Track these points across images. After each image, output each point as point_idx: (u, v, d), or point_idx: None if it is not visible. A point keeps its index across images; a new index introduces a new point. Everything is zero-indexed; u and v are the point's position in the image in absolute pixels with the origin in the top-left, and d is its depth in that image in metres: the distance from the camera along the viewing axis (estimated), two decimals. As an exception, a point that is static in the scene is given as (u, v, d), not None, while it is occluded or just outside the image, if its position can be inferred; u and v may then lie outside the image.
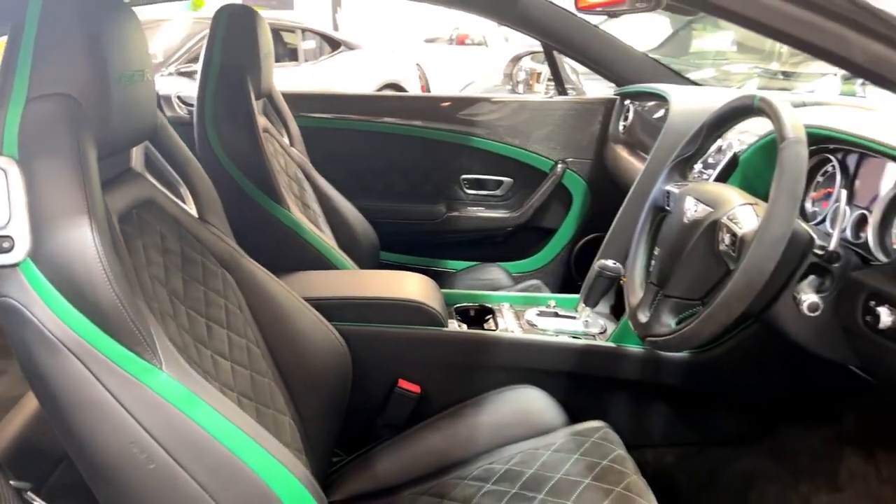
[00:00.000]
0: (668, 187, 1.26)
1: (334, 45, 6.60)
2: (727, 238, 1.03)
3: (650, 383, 1.51)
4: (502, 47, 8.77)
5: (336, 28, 9.47)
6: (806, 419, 1.55)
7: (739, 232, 1.00)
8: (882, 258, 1.05)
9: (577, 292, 1.71)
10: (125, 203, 1.03)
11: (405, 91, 6.61)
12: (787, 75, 5.41)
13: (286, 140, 2.10)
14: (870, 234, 1.07)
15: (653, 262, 1.26)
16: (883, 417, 1.52)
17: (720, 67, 5.78)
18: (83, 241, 0.81)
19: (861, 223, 1.11)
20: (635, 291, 1.26)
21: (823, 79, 4.71)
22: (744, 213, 1.03)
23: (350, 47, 6.63)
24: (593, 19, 2.38)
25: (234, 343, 1.20)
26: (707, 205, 1.09)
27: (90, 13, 0.89)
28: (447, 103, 2.46)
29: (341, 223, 2.09)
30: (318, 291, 1.47)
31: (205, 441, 0.86)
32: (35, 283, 0.81)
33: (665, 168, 1.30)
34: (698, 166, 1.52)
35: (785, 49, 5.60)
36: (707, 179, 1.41)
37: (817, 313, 0.98)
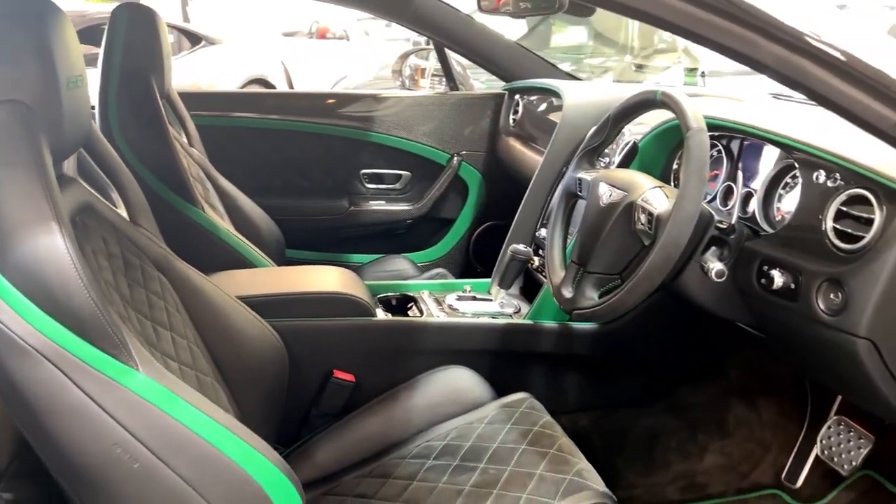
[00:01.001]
0: (580, 175, 1.38)
1: (194, 40, 6.33)
2: (643, 218, 1.16)
3: (564, 355, 1.64)
4: (364, 42, 8.75)
5: (187, 21, 9.06)
6: (698, 378, 1.74)
7: (655, 212, 1.13)
8: (768, 229, 1.22)
9: (477, 278, 1.83)
10: (69, 209, 1.01)
11: (272, 86, 6.48)
12: (639, 67, 5.83)
13: (185, 140, 2.06)
14: (756, 209, 1.24)
15: (570, 243, 1.38)
16: (760, 372, 1.74)
17: (579, 61, 6.08)
18: (55, 248, 0.81)
19: (747, 200, 1.28)
20: (556, 271, 1.38)
21: (668, 71, 5.12)
22: (655, 196, 1.16)
23: (211, 42, 6.39)
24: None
25: (178, 344, 1.20)
26: (621, 189, 1.22)
27: (32, 17, 0.88)
28: (338, 100, 2.50)
29: (245, 222, 2.08)
30: (248, 290, 1.48)
31: (185, 436, 0.88)
32: (2, 292, 0.80)
33: (574, 158, 1.42)
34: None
35: (637, 43, 6.02)
36: (608, 167, 1.55)
37: (724, 279, 1.13)
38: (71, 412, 0.82)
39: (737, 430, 1.70)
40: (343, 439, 1.49)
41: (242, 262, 1.72)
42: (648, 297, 1.49)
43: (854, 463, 1.50)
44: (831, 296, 1.03)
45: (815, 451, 1.63)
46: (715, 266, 1.13)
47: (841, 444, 1.54)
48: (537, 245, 1.82)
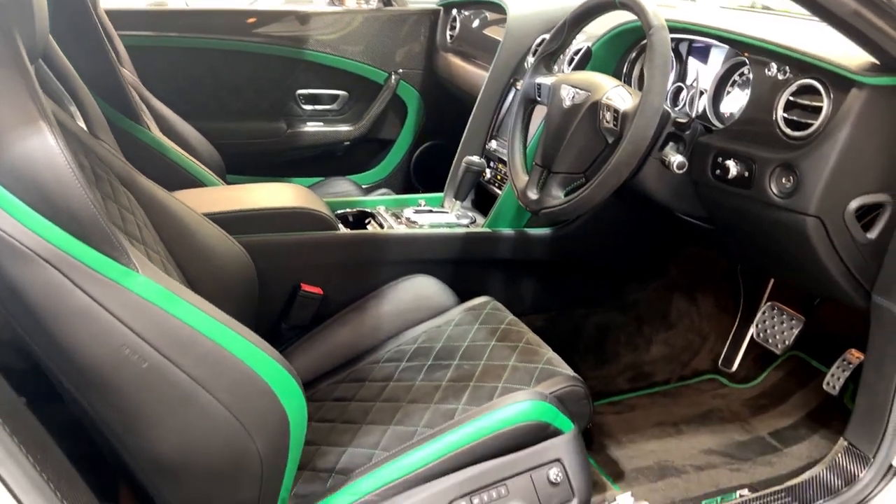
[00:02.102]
0: (538, 80, 1.41)
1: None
2: (608, 116, 1.21)
3: (521, 260, 1.71)
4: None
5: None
6: (643, 277, 1.86)
7: (621, 108, 1.18)
8: (719, 125, 1.30)
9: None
10: (38, 117, 0.97)
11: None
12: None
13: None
14: (707, 107, 1.32)
15: (529, 147, 1.43)
16: (698, 270, 1.87)
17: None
18: (48, 148, 0.79)
19: (695, 99, 1.35)
20: (520, 176, 1.42)
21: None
22: (618, 94, 1.22)
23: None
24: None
25: (153, 259, 1.19)
26: (584, 90, 1.27)
27: None
28: (265, 17, 2.42)
29: (184, 146, 2.02)
30: (210, 207, 1.46)
31: (189, 335, 0.89)
32: (-2, 197, 0.78)
33: (531, 64, 1.46)
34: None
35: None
36: (561, 72, 1.59)
37: (685, 170, 1.20)
38: (76, 315, 0.82)
39: (678, 322, 1.84)
40: (315, 349, 1.52)
41: (194, 183, 1.69)
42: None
43: (787, 342, 1.66)
44: (783, 180, 1.12)
45: (751, 334, 1.78)
46: (676, 159, 1.20)
47: (775, 327, 1.69)
48: (488, 157, 1.86)
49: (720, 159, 1.22)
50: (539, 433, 1.17)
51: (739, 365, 1.81)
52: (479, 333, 1.45)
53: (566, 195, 1.30)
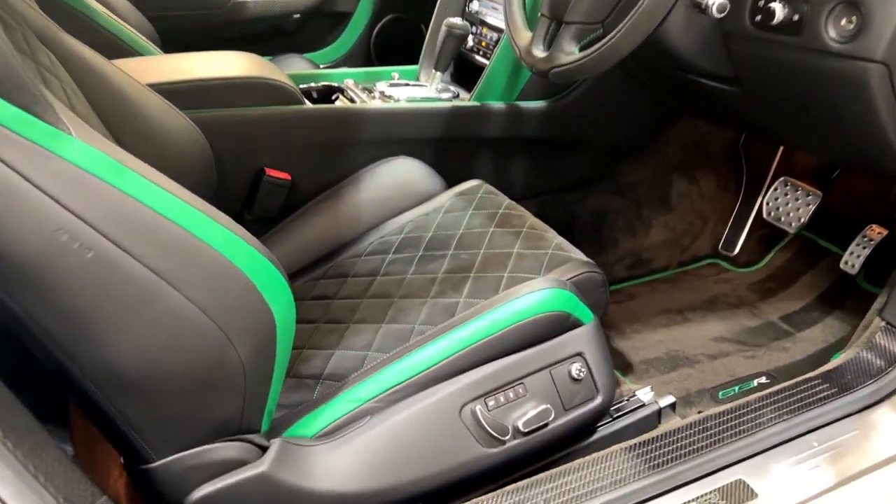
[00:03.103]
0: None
1: None
2: (635, -51, 1.02)
3: (512, 138, 1.54)
4: None
5: None
6: (640, 156, 1.71)
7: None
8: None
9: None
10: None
11: None
12: None
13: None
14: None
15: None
16: (698, 148, 1.73)
17: None
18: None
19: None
20: (521, 32, 1.23)
21: None
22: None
23: None
24: None
25: (87, 134, 0.98)
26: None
27: None
28: None
29: (110, 11, 1.75)
30: (153, 77, 1.23)
31: (148, 218, 0.71)
32: None
33: None
34: None
35: None
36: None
37: (725, 13, 1.03)
38: (-8, 193, 0.62)
39: (679, 205, 1.71)
40: (286, 243, 1.35)
41: (129, 54, 1.44)
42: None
43: (802, 220, 1.55)
44: (843, 21, 0.97)
45: (755, 213, 1.67)
46: (715, 1, 1.03)
47: (788, 204, 1.58)
48: (469, 20, 1.65)
49: (762, 2, 1.05)
50: (559, 325, 1.03)
51: (742, 248, 1.71)
52: (475, 220, 1.29)
53: (581, 49, 1.12)
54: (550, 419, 1.01)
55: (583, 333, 1.05)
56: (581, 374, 1.03)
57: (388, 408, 0.96)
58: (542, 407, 1.00)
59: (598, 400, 1.05)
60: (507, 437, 0.98)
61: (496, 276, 1.14)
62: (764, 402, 1.06)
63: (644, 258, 1.70)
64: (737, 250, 1.71)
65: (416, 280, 1.20)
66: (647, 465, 0.98)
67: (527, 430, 0.99)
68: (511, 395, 1.00)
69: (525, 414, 1.00)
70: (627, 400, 1.16)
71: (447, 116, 1.46)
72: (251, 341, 0.81)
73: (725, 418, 1.05)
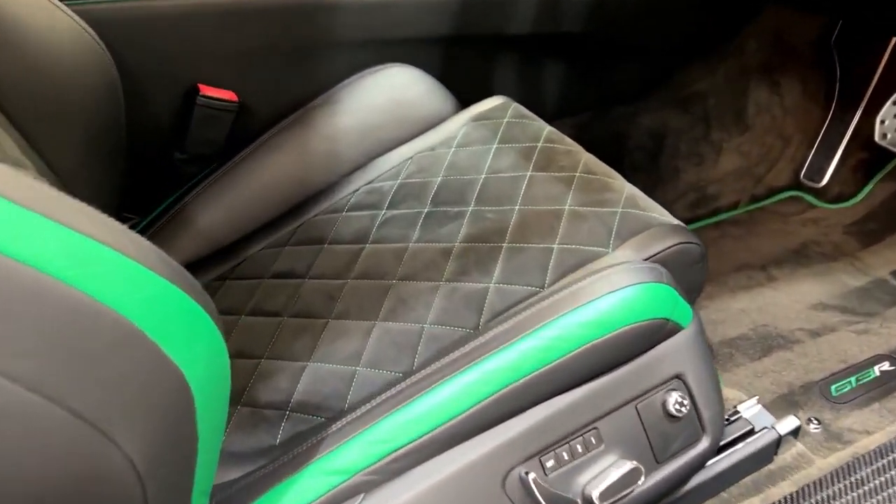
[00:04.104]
0: None
1: None
2: None
3: (544, 36, 1.13)
4: None
5: None
6: (709, 58, 1.31)
7: None
8: None
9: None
10: None
11: None
12: None
13: None
14: None
15: None
16: (780, 43, 1.33)
17: None
18: None
19: None
20: None
21: None
22: None
23: None
24: None
25: None
26: None
27: None
28: None
29: None
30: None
31: None
32: None
33: None
34: None
35: None
36: None
37: None
38: None
39: (757, 121, 1.33)
40: (235, 193, 0.96)
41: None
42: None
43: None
44: None
45: (851, 133, 1.29)
46: None
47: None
48: None
49: None
50: (650, 336, 0.68)
51: (832, 177, 1.34)
52: (504, 158, 0.91)
53: None
54: (639, 483, 0.66)
55: (682, 344, 0.70)
56: (682, 407, 0.68)
57: (391, 482, 0.62)
58: (627, 466, 0.66)
59: (704, 444, 0.71)
60: (575, 516, 0.65)
61: (541, 248, 0.78)
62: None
63: (710, 193, 1.33)
64: (825, 179, 1.35)
65: (422, 251, 0.83)
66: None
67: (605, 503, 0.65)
68: (579, 448, 0.66)
69: (601, 477, 0.65)
70: (728, 420, 0.82)
71: (458, 5, 1.04)
72: (148, 430, 0.45)
73: (881, 460, 0.72)
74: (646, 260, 0.74)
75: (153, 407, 0.45)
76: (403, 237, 0.86)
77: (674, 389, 0.69)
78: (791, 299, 1.14)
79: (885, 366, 1.02)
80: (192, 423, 0.49)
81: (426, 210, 0.88)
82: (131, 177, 0.93)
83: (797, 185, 1.37)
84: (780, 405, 0.96)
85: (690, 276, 0.78)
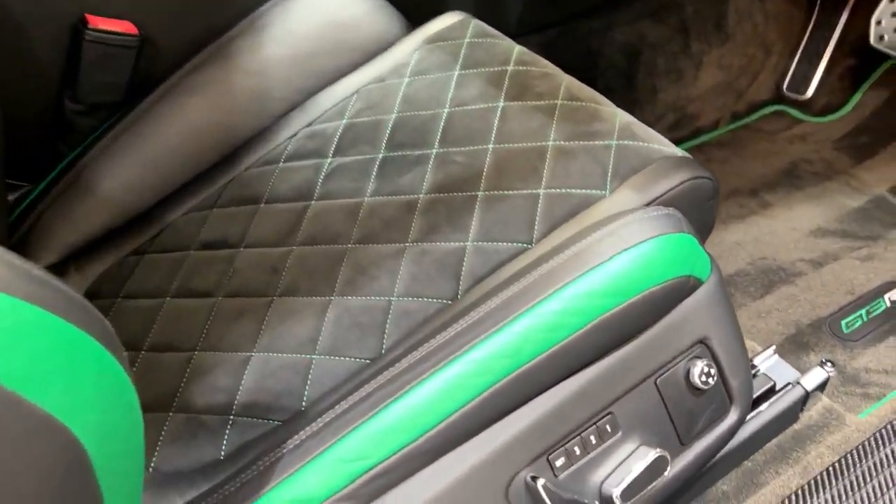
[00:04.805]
0: None
1: None
2: None
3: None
4: None
5: None
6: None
7: None
8: None
9: None
10: None
11: None
12: None
13: None
14: None
15: None
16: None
17: None
18: None
19: None
20: None
21: None
22: None
23: None
24: None
25: None
26: None
27: None
28: None
29: None
30: None
31: None
32: None
33: None
34: None
35: None
36: None
37: None
38: None
39: (738, 29, 1.20)
40: (145, 149, 0.80)
41: None
42: None
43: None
44: None
45: (837, 39, 1.18)
46: None
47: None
48: None
49: None
50: (670, 298, 0.56)
51: (818, 87, 1.23)
52: (469, 86, 0.77)
53: None
54: (665, 474, 0.56)
55: (704, 302, 0.58)
56: (709, 378, 0.58)
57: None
58: (651, 455, 0.55)
59: (733, 416, 0.61)
60: (594, 520, 0.54)
61: (525, 195, 0.65)
62: None
63: (690, 113, 1.21)
64: (810, 90, 1.24)
65: (380, 207, 0.69)
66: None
67: (627, 503, 0.55)
68: (592, 439, 0.55)
69: (621, 471, 0.55)
70: (746, 377, 0.72)
71: None
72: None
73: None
74: (651, 202, 0.62)
75: (31, 472, 0.32)
76: (356, 191, 0.72)
77: (697, 357, 0.58)
78: (788, 226, 1.04)
79: (895, 294, 0.94)
80: (91, 481, 0.36)
81: (381, 156, 0.74)
82: (14, 136, 0.76)
83: (780, 98, 1.27)
84: (789, 349, 0.88)
85: (701, 217, 0.66)
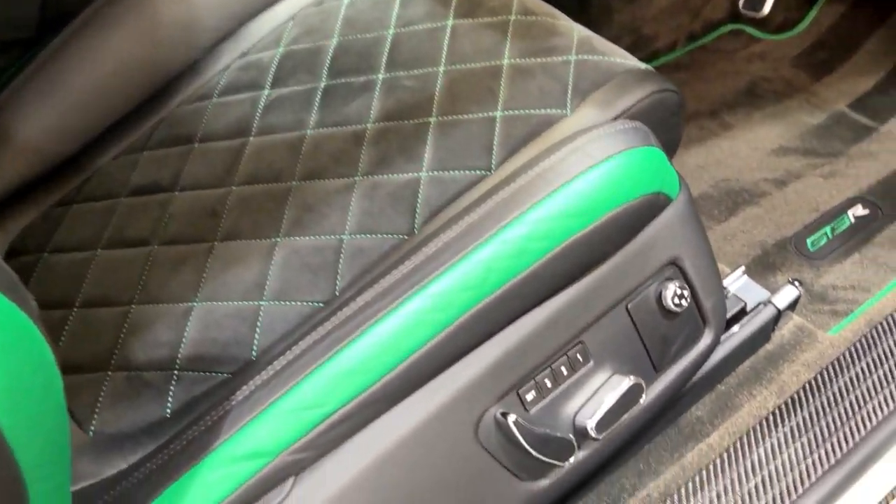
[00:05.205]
0: None
1: None
2: None
3: None
4: None
5: None
6: None
7: None
8: None
9: None
10: None
11: None
12: None
13: None
14: None
15: None
16: None
17: None
18: None
19: None
20: None
21: None
22: None
23: None
24: None
25: None
26: None
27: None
28: None
29: None
30: None
31: None
32: None
33: None
34: None
35: None
36: None
37: None
38: None
39: (692, -55, 1.16)
40: (64, 89, 0.73)
41: None
42: None
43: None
44: None
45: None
46: None
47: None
48: None
49: None
50: (641, 216, 0.53)
51: (775, 4, 1.20)
52: (414, 4, 0.72)
53: None
54: (641, 402, 0.54)
55: (674, 220, 0.55)
56: (682, 300, 0.55)
57: (328, 457, 0.46)
58: (625, 384, 0.52)
59: (707, 339, 0.58)
60: (569, 455, 0.51)
61: (481, 118, 0.61)
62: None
63: (646, 34, 1.16)
64: (766, 7, 1.20)
65: (325, 140, 0.64)
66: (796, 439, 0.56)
67: (602, 434, 0.52)
68: (563, 370, 0.52)
69: (595, 402, 0.52)
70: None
71: None
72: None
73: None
74: (616, 118, 0.58)
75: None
76: (298, 123, 0.67)
77: (669, 279, 0.55)
78: (750, 147, 1.02)
79: (859, 209, 0.93)
80: (9, 461, 0.31)
81: (323, 84, 0.69)
82: None
83: (736, 16, 1.23)
84: (756, 270, 0.86)
85: (667, 133, 0.63)
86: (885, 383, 0.61)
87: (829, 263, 0.86)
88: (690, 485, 0.58)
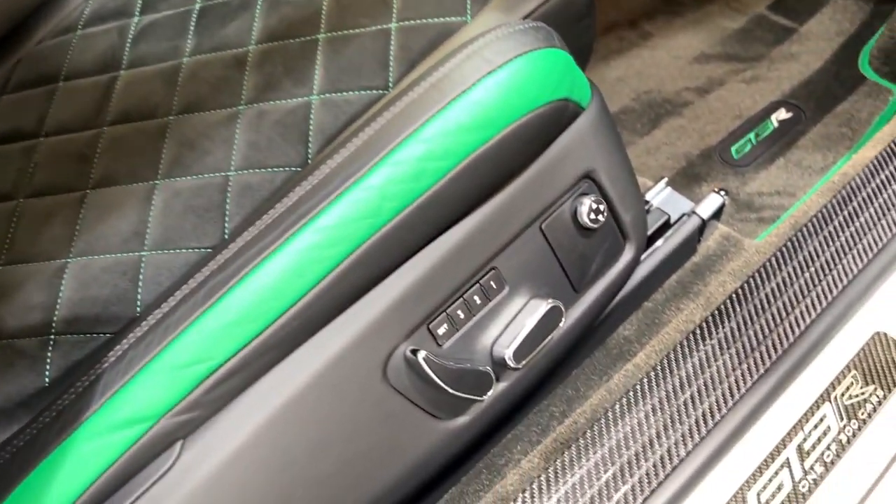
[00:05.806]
0: None
1: None
2: None
3: None
4: None
5: None
6: None
7: None
8: None
9: None
10: None
11: None
12: None
13: None
14: None
15: None
16: None
17: None
18: None
19: None
20: None
21: None
22: None
23: None
24: None
25: None
26: None
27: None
28: None
29: None
30: None
31: None
32: None
33: None
34: None
35: None
36: None
37: None
38: None
39: None
40: None
41: None
42: None
43: None
44: None
45: None
46: None
47: None
48: None
49: None
50: (548, 127, 0.49)
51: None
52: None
53: None
54: (560, 326, 0.51)
55: (587, 130, 0.51)
56: (598, 215, 0.52)
57: (219, 416, 0.42)
58: (542, 307, 0.49)
59: (629, 254, 0.55)
60: (487, 389, 0.48)
61: (374, 31, 0.55)
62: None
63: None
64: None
65: (203, 67, 0.58)
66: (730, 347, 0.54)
67: (521, 363, 0.49)
68: (476, 299, 0.48)
69: (512, 330, 0.49)
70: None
71: None
72: None
73: (819, 232, 0.60)
74: (545, 25, 0.53)
75: None
76: (172, 52, 0.60)
77: (584, 194, 0.52)
78: (671, 56, 0.98)
79: (782, 113, 0.91)
80: None
81: (198, 6, 0.62)
82: None
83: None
84: (681, 182, 0.84)
85: (577, 39, 0.58)
86: (811, 286, 0.60)
87: (755, 170, 0.85)
88: (618, 406, 0.56)
